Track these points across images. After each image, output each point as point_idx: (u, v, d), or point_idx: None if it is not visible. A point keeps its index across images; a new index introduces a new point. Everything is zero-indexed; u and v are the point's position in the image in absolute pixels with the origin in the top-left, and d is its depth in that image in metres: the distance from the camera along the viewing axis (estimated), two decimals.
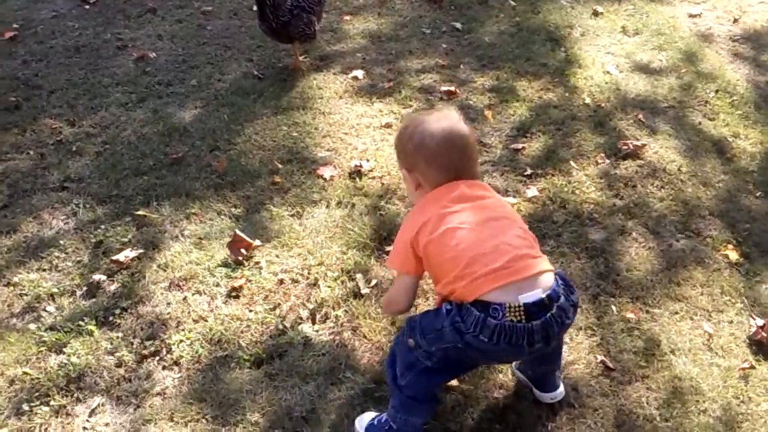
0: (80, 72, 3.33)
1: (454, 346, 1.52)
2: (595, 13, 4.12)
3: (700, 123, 3.15)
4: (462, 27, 3.92)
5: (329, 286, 2.21)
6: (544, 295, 1.48)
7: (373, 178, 2.71)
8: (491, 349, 1.48)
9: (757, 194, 2.71)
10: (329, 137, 2.95)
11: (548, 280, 1.52)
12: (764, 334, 2.07)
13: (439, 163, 1.63)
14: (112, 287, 2.18)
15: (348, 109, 3.15)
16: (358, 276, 2.24)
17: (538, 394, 1.87)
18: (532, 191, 2.64)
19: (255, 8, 3.21)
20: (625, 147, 2.91)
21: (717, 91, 3.39)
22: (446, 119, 1.68)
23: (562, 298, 1.51)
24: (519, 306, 1.46)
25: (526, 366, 1.88)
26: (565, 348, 1.95)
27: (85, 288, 2.18)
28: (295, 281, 2.23)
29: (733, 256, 2.38)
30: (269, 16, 3.13)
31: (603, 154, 2.88)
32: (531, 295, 1.48)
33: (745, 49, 3.86)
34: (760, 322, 2.12)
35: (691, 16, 4.20)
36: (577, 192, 2.66)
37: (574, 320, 1.57)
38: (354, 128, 3.02)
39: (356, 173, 2.72)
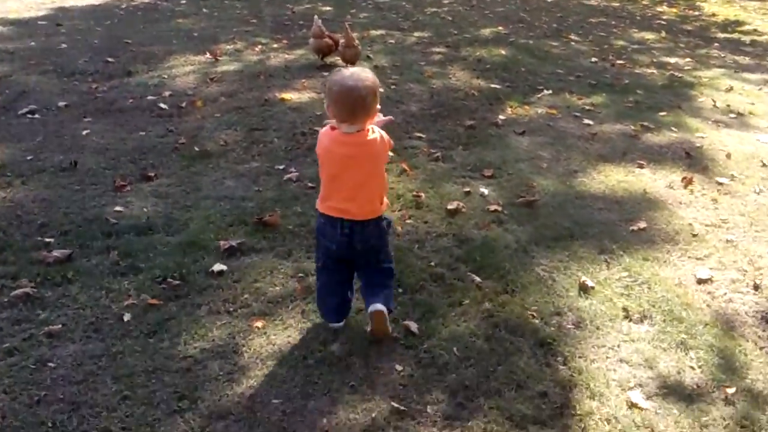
0: None
1: (316, 236, 2.75)
2: (584, 289, 3.16)
3: None
4: (418, 329, 2.84)
5: None
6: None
7: None
8: (323, 228, 2.63)
9: None
10: None
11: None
12: None
13: (336, 106, 2.44)
14: None
15: None
16: None
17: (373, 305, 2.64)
18: None
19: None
20: None
21: None
22: (352, 77, 2.44)
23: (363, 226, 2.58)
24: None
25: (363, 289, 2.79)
26: None
27: None
28: None
29: None
30: None
31: None
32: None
33: None
34: None
35: (701, 281, 3.30)
36: None
37: (373, 241, 2.64)
38: None
39: None
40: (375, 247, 2.65)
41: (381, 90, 5.38)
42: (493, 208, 3.94)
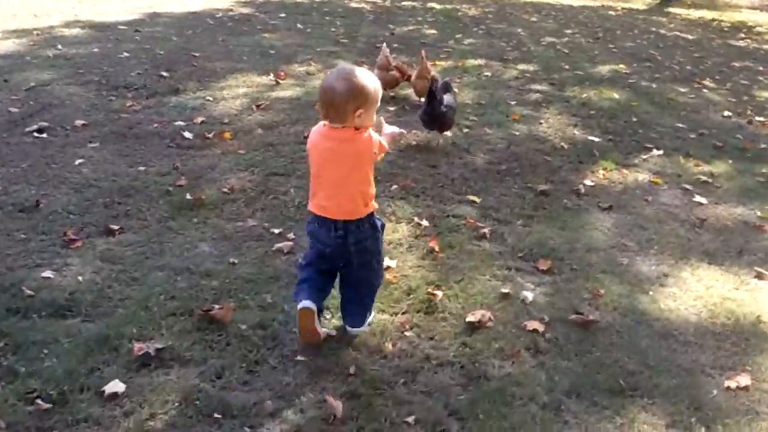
0: None
1: (308, 238, 2.64)
2: None
3: None
4: None
5: None
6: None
7: None
8: (316, 230, 2.55)
9: None
10: None
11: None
12: None
13: (319, 102, 2.47)
14: None
15: None
16: None
17: (348, 328, 2.69)
18: None
19: (422, 99, 4.96)
20: None
21: None
22: (334, 75, 2.41)
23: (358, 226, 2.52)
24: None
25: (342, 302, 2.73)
26: None
27: None
28: None
29: None
30: (435, 105, 4.60)
31: None
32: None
33: None
34: None
35: None
36: None
37: (369, 243, 2.56)
38: None
39: None
40: (370, 250, 2.59)
41: (448, 133, 4.49)
42: (532, 326, 2.86)
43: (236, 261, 3.19)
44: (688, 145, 5.51)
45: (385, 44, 5.92)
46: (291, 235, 3.44)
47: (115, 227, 3.38)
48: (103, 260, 3.11)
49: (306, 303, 2.49)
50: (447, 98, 4.75)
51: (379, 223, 2.63)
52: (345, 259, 2.59)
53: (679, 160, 5.13)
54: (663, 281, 3.34)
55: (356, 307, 2.70)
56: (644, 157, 5.13)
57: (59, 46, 6.95)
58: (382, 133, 2.67)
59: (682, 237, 3.83)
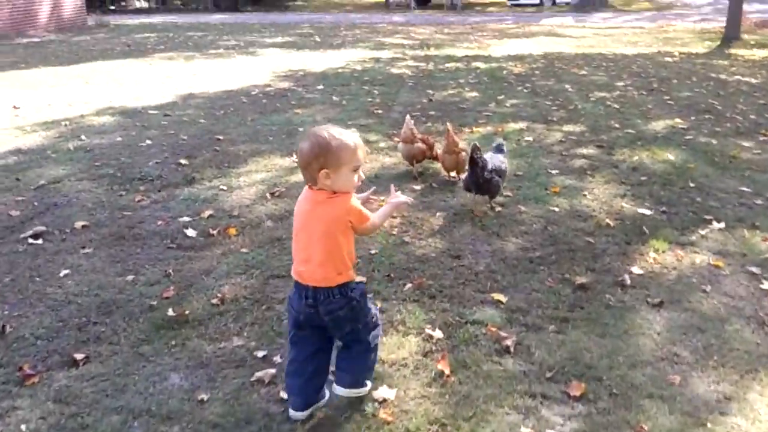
0: None
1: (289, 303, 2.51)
2: None
3: None
4: None
5: None
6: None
7: None
8: (292, 294, 2.44)
9: None
10: None
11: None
12: None
13: None
14: None
15: None
16: None
17: (335, 387, 2.54)
18: None
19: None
20: None
21: None
22: (305, 137, 2.31)
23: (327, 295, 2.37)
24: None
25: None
26: None
27: None
28: None
29: None
30: (478, 172, 4.44)
31: None
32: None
33: None
34: None
35: None
36: None
37: (343, 312, 2.40)
38: None
39: None
40: (349, 320, 2.44)
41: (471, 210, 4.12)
42: None
43: (206, 397, 2.74)
44: (755, 214, 4.83)
45: (408, 116, 5.52)
46: (277, 359, 2.98)
47: (81, 356, 2.99)
48: (56, 401, 2.71)
49: (294, 415, 2.51)
50: (494, 162, 4.57)
51: (357, 292, 2.44)
52: (322, 327, 2.47)
53: (743, 234, 4.47)
54: (724, 407, 2.70)
55: (348, 370, 2.59)
56: (702, 232, 4.49)
57: (83, 137, 6.83)
58: (387, 201, 2.60)
59: (748, 341, 3.18)
